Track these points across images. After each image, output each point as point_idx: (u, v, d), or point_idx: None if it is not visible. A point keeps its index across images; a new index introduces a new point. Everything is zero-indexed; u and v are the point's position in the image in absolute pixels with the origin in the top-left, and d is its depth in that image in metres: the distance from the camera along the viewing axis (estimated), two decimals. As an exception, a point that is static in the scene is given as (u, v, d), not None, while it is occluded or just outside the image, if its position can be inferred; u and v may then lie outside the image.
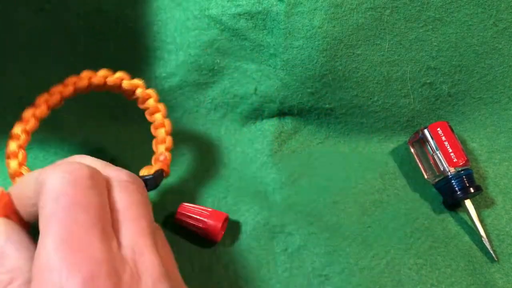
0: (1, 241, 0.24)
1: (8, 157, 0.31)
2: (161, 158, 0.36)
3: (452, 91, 0.47)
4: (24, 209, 0.25)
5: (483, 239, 0.41)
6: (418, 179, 0.45)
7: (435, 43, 0.45)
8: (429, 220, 0.42)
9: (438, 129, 0.44)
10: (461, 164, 0.42)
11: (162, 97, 0.45)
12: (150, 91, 0.37)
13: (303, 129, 0.47)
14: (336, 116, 0.47)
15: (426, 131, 0.44)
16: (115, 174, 0.26)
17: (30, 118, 0.32)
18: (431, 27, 0.44)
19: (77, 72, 0.42)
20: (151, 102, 0.37)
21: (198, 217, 0.37)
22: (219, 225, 0.37)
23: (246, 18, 0.43)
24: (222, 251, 0.39)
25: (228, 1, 0.43)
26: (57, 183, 0.23)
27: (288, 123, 0.47)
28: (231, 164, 0.45)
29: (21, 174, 0.30)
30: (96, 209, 0.23)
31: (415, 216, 0.42)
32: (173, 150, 0.45)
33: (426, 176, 0.45)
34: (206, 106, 0.46)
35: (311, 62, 0.43)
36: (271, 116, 0.47)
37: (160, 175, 0.34)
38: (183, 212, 0.38)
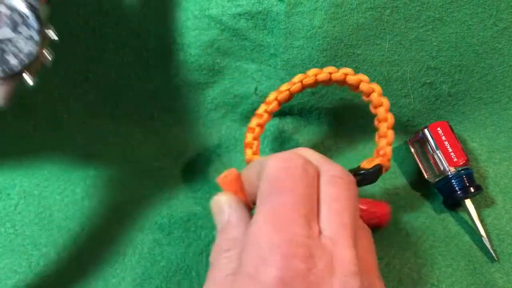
0: (228, 212, 0.27)
1: (246, 147, 0.37)
2: (381, 152, 0.36)
3: (452, 91, 0.47)
4: (251, 189, 0.28)
5: (483, 238, 0.41)
6: (418, 179, 0.45)
7: (435, 43, 0.45)
8: (430, 219, 0.42)
9: (438, 129, 0.44)
10: (461, 163, 0.42)
11: (163, 97, 0.45)
12: (374, 85, 0.38)
13: (303, 129, 0.47)
14: (336, 116, 0.47)
15: (426, 130, 0.44)
16: (328, 168, 0.27)
17: (263, 113, 0.38)
18: (431, 27, 0.44)
19: (78, 71, 0.42)
20: (375, 96, 0.38)
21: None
22: (387, 210, 0.39)
23: (246, 18, 0.43)
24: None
25: (228, 1, 0.42)
26: (274, 169, 0.25)
27: (289, 123, 0.47)
28: (231, 164, 0.45)
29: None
30: (303, 196, 0.24)
31: (416, 216, 0.42)
32: (173, 151, 0.45)
33: (426, 176, 0.45)
34: (206, 106, 0.46)
35: (311, 62, 0.43)
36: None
37: (378, 170, 0.34)
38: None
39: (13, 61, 0.29)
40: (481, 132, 0.48)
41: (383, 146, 0.37)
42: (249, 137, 0.38)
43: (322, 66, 0.44)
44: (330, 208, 0.25)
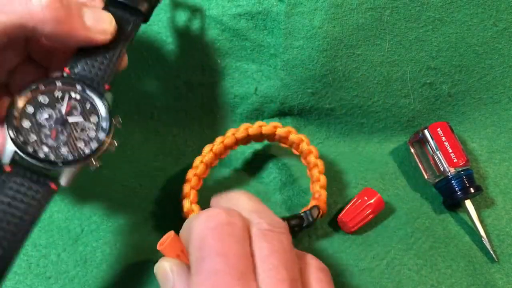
0: (172, 279, 0.26)
1: (183, 198, 0.38)
2: (317, 195, 0.39)
3: (452, 91, 0.47)
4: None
5: (483, 239, 0.41)
6: (418, 179, 0.45)
7: (435, 43, 0.45)
8: (430, 220, 0.42)
9: (438, 129, 0.44)
10: (461, 164, 0.42)
11: (163, 97, 0.45)
12: (302, 136, 0.41)
13: (303, 129, 0.47)
14: (337, 116, 0.47)
15: (426, 131, 0.44)
16: (257, 220, 0.26)
17: (199, 164, 0.40)
18: (431, 27, 0.44)
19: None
20: (304, 145, 0.41)
21: (363, 207, 0.40)
22: (378, 196, 0.40)
23: (246, 19, 0.43)
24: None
25: (228, 2, 0.42)
26: (200, 230, 0.25)
27: (288, 123, 0.47)
28: (231, 164, 0.45)
29: (192, 211, 0.37)
30: (235, 257, 0.24)
31: (416, 216, 0.42)
32: (173, 151, 0.45)
33: (426, 176, 0.45)
34: (206, 106, 0.46)
35: (311, 62, 0.43)
36: (271, 116, 0.47)
37: (315, 210, 0.37)
38: (349, 219, 0.40)
39: (82, 147, 0.30)
40: (481, 132, 0.48)
41: (317, 190, 0.39)
42: (186, 187, 0.39)
43: (322, 66, 0.43)
44: (264, 264, 0.24)
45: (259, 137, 0.42)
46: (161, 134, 0.46)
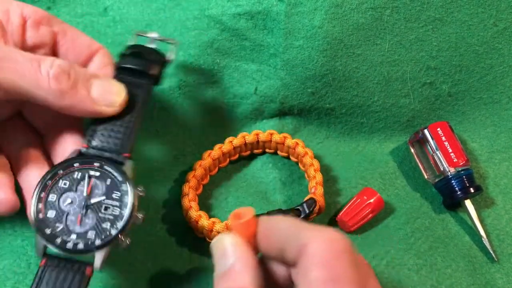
0: (232, 257, 0.25)
1: (183, 196, 0.39)
2: (312, 190, 0.40)
3: (452, 91, 0.47)
4: (267, 243, 0.26)
5: (483, 239, 0.41)
6: (418, 179, 0.45)
7: (435, 43, 0.45)
8: (429, 220, 0.42)
9: (438, 129, 0.44)
10: (461, 164, 0.42)
11: (162, 97, 0.45)
12: (297, 140, 0.43)
13: (303, 129, 0.47)
14: (336, 116, 0.47)
15: (426, 131, 0.44)
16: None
17: (198, 167, 0.41)
18: (431, 27, 0.44)
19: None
20: (299, 148, 0.43)
21: (363, 207, 0.40)
22: (378, 195, 0.40)
23: (246, 18, 0.43)
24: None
25: (228, 1, 0.42)
26: (323, 250, 0.23)
27: (289, 123, 0.47)
28: (231, 164, 0.45)
29: (191, 208, 0.38)
30: (359, 284, 0.23)
31: (416, 216, 0.42)
32: (173, 151, 0.45)
33: (426, 176, 0.45)
34: (206, 106, 0.46)
35: (311, 62, 0.43)
36: (271, 116, 0.47)
37: (312, 202, 0.38)
38: (348, 218, 0.40)
39: (109, 227, 0.30)
40: (481, 132, 0.48)
41: (314, 185, 0.40)
42: (185, 187, 0.40)
43: (322, 66, 0.43)
44: None
45: (256, 144, 0.44)
46: (160, 134, 0.46)
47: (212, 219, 0.37)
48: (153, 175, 0.43)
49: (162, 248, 0.39)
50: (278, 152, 0.45)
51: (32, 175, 0.33)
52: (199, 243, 0.39)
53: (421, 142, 0.45)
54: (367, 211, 0.40)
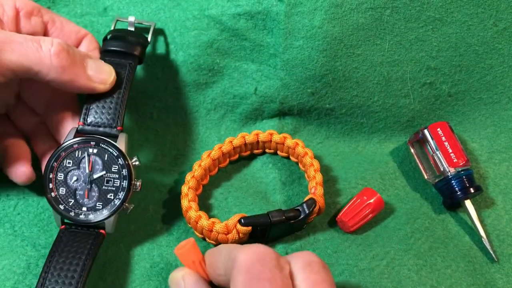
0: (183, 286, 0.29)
1: (182, 198, 0.39)
2: (312, 190, 0.40)
3: (452, 91, 0.47)
4: (213, 273, 0.29)
5: (483, 239, 0.41)
6: (418, 179, 0.45)
7: (435, 43, 0.45)
8: (429, 220, 0.42)
9: (438, 129, 0.44)
10: (461, 164, 0.42)
11: (162, 97, 0.45)
12: (297, 140, 0.43)
13: (303, 129, 0.47)
14: (336, 116, 0.47)
15: (426, 131, 0.44)
16: (298, 255, 0.28)
17: (198, 168, 0.41)
18: (431, 27, 0.44)
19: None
20: (299, 148, 0.43)
21: (362, 207, 0.40)
22: (378, 195, 0.40)
23: (246, 18, 0.43)
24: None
25: (228, 1, 0.42)
26: (248, 261, 0.26)
27: (288, 123, 0.47)
28: (231, 164, 0.45)
29: (190, 208, 0.38)
30: (280, 285, 0.25)
31: (415, 216, 0.42)
32: (172, 151, 0.45)
33: (426, 177, 0.45)
34: (206, 106, 0.46)
35: (311, 62, 0.43)
36: (271, 116, 0.47)
37: (311, 203, 0.38)
38: (348, 219, 0.40)
39: (113, 198, 0.35)
40: (481, 132, 0.48)
41: (314, 185, 0.41)
42: (184, 188, 0.40)
43: (322, 66, 0.43)
44: None
45: (256, 144, 0.44)
46: (160, 134, 0.46)
47: (212, 219, 0.37)
48: (153, 175, 0.43)
49: (162, 248, 0.39)
50: (278, 152, 0.45)
51: (47, 146, 0.38)
52: (199, 243, 0.39)
53: (421, 142, 0.45)
54: (367, 211, 0.40)
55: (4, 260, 0.36)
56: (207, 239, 0.38)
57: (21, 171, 0.37)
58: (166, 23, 0.44)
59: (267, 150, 0.45)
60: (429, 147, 0.44)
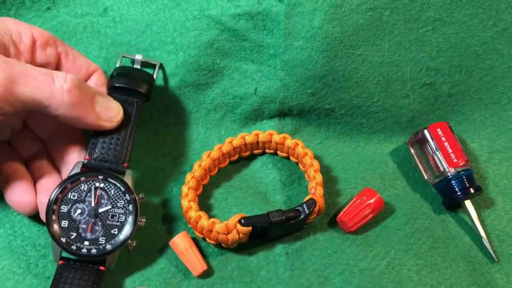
0: None
1: (182, 198, 0.39)
2: (312, 191, 0.40)
3: (452, 91, 0.47)
4: None
5: (483, 239, 0.41)
6: (418, 180, 0.45)
7: (435, 44, 0.45)
8: (429, 220, 0.42)
9: (438, 129, 0.44)
10: (461, 164, 0.42)
11: (162, 98, 0.45)
12: (297, 140, 0.43)
13: (303, 129, 0.47)
14: (336, 117, 0.47)
15: (426, 131, 0.44)
16: None
17: (198, 168, 0.41)
18: (431, 27, 0.44)
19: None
20: (299, 149, 0.43)
21: (362, 207, 0.40)
22: (378, 195, 0.40)
23: (246, 19, 0.43)
24: (223, 252, 0.39)
25: (228, 2, 0.42)
26: None
27: (288, 123, 0.47)
28: (231, 164, 0.45)
29: (191, 208, 0.38)
30: None
31: (415, 217, 0.42)
32: (172, 152, 0.45)
33: (426, 177, 0.45)
34: (206, 107, 0.46)
35: (311, 63, 0.43)
36: (271, 116, 0.47)
37: (312, 203, 0.38)
38: (348, 219, 0.40)
39: (117, 233, 0.34)
40: (481, 132, 0.48)
41: (314, 185, 0.41)
42: (185, 188, 0.40)
43: (322, 66, 0.43)
44: None
45: (256, 145, 0.44)
46: (160, 135, 0.46)
47: (212, 220, 0.37)
48: (153, 175, 0.43)
49: (162, 248, 0.39)
50: (278, 152, 0.45)
51: (46, 181, 0.37)
52: (199, 243, 0.39)
53: (421, 142, 0.45)
54: (367, 212, 0.40)
55: (4, 260, 0.36)
56: (207, 239, 0.38)
57: (25, 201, 0.36)
58: (166, 23, 0.44)
59: (267, 151, 0.45)
60: (429, 147, 0.44)
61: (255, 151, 0.45)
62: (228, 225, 0.37)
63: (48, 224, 0.33)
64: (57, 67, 0.38)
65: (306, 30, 0.42)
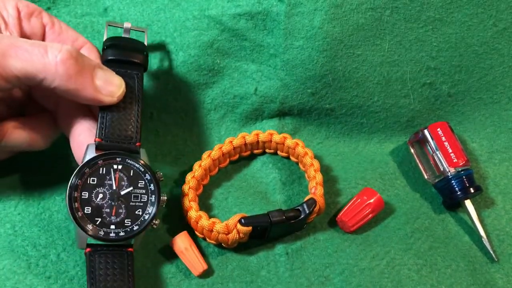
0: None
1: (183, 196, 0.39)
2: (313, 190, 0.41)
3: (452, 91, 0.47)
4: None
5: (483, 239, 0.41)
6: (418, 179, 0.45)
7: (435, 43, 0.45)
8: (429, 220, 0.42)
9: (438, 129, 0.44)
10: (461, 164, 0.42)
11: (162, 98, 0.45)
12: (297, 140, 0.43)
13: (303, 129, 0.47)
14: (336, 116, 0.47)
15: (426, 131, 0.44)
16: None
17: (198, 168, 0.41)
18: (431, 27, 0.44)
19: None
20: (299, 148, 0.43)
21: (362, 207, 0.40)
22: (378, 195, 0.40)
23: (246, 19, 0.43)
24: (223, 252, 0.39)
25: (228, 2, 0.42)
26: None
27: (288, 123, 0.47)
28: (231, 164, 0.45)
29: (191, 208, 0.38)
30: None
31: (415, 216, 0.42)
32: (172, 152, 0.45)
33: (426, 177, 0.45)
34: (206, 107, 0.46)
35: (311, 63, 0.43)
36: (271, 116, 0.47)
37: (312, 203, 0.38)
38: (348, 219, 0.40)
39: (141, 214, 0.34)
40: (481, 132, 0.48)
41: (314, 185, 0.41)
42: (185, 187, 0.40)
43: (322, 66, 0.44)
44: None
45: (256, 144, 0.44)
46: (160, 134, 0.46)
47: (212, 219, 0.37)
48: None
49: (163, 248, 0.39)
50: (278, 152, 0.45)
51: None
52: (199, 243, 0.39)
53: (421, 142, 0.45)
54: (367, 211, 0.40)
55: (4, 260, 0.36)
56: (207, 239, 0.38)
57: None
58: (166, 23, 0.44)
59: (267, 150, 0.45)
60: (429, 147, 0.44)
61: (255, 151, 0.45)
62: (228, 225, 0.37)
63: (71, 212, 0.32)
64: (42, 38, 0.37)
65: (306, 30, 0.42)
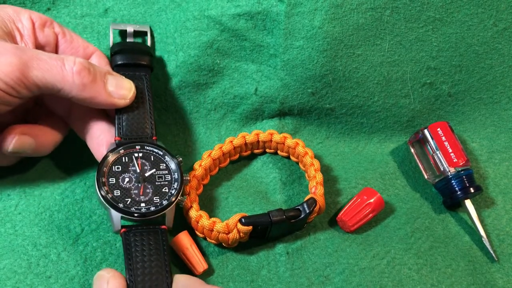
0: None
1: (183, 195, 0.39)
2: (313, 190, 0.41)
3: (452, 91, 0.47)
4: None
5: (483, 239, 0.41)
6: (418, 179, 0.45)
7: (435, 43, 0.45)
8: (430, 220, 0.42)
9: (438, 129, 0.44)
10: (461, 164, 0.42)
11: (162, 98, 0.45)
12: (297, 140, 0.44)
13: (303, 129, 0.47)
14: (336, 116, 0.47)
15: (426, 131, 0.44)
16: None
17: (198, 168, 0.42)
18: (431, 27, 0.44)
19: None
20: (299, 148, 0.43)
21: (363, 206, 0.40)
22: (378, 195, 0.40)
23: (246, 19, 0.43)
24: (224, 252, 0.39)
25: (228, 2, 0.42)
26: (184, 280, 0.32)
27: (289, 123, 0.47)
28: (232, 164, 0.45)
29: (191, 208, 0.38)
30: None
31: (416, 216, 0.42)
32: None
33: (426, 176, 0.45)
34: (206, 107, 0.46)
35: (311, 63, 0.43)
36: (271, 116, 0.47)
37: (312, 202, 0.38)
38: (348, 218, 0.40)
39: (168, 191, 0.36)
40: (481, 132, 0.48)
41: (314, 185, 0.41)
42: (186, 187, 0.40)
43: (322, 66, 0.44)
44: None
45: (256, 144, 0.44)
46: (160, 134, 0.46)
47: (213, 219, 0.37)
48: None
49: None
50: (278, 152, 0.45)
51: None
52: (199, 243, 0.39)
53: (421, 142, 0.45)
54: (367, 211, 0.40)
55: (5, 260, 0.36)
56: (208, 238, 0.39)
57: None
58: (166, 24, 0.44)
59: (267, 150, 0.45)
60: (429, 147, 0.44)
61: (256, 151, 0.45)
62: (228, 224, 0.37)
63: (101, 195, 0.34)
64: (55, 47, 0.39)
65: (306, 30, 0.42)
